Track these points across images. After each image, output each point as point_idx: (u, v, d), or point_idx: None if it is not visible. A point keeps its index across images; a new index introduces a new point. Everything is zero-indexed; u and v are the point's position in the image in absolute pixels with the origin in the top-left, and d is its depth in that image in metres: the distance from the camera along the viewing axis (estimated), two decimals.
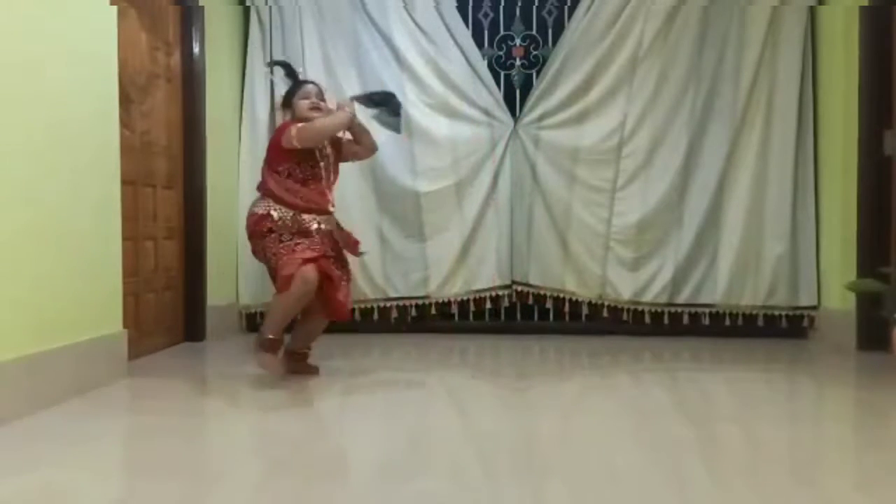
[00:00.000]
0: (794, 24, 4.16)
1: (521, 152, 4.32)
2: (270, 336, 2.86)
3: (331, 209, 3.05)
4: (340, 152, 3.16)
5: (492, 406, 2.64)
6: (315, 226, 2.95)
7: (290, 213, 2.93)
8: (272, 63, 3.26)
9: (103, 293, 2.90)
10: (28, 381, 2.38)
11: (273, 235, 2.91)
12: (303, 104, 3.03)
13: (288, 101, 3.10)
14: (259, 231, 2.95)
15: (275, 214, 2.92)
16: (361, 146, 3.14)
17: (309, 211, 2.95)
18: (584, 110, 4.26)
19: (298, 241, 2.89)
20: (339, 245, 3.08)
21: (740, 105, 4.18)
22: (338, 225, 3.12)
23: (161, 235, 3.69)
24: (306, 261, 2.81)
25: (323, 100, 3.07)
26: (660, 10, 4.17)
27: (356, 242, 3.16)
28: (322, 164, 3.01)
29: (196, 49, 3.89)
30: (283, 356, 3.04)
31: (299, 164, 2.96)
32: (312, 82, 3.20)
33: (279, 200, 2.94)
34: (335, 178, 3.14)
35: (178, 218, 3.87)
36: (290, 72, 3.19)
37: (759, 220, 4.19)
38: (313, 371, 3.12)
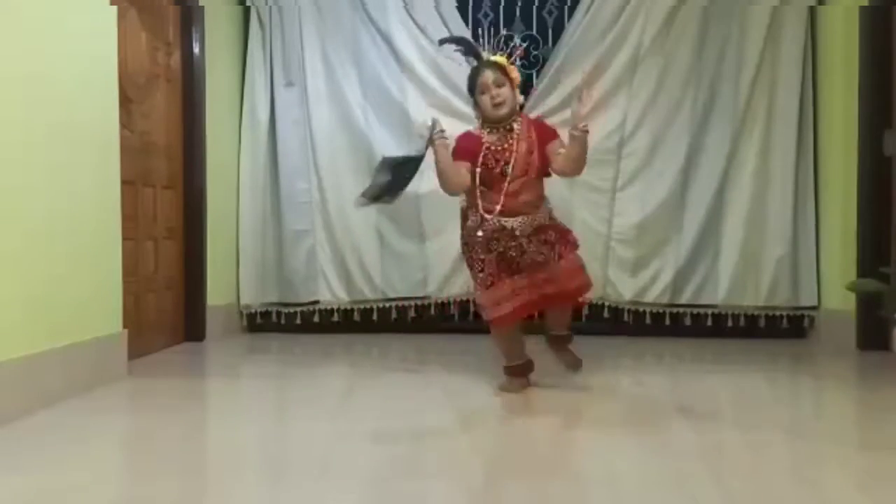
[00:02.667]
0: (794, 24, 4.16)
1: None
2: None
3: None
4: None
5: (491, 407, 2.64)
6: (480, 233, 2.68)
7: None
8: (443, 41, 2.88)
9: (103, 293, 2.90)
10: (28, 381, 2.38)
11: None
12: (484, 102, 2.69)
13: (472, 93, 2.74)
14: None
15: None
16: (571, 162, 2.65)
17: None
18: None
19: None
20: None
21: (740, 105, 4.17)
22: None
23: (161, 235, 3.68)
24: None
25: (503, 83, 2.67)
26: (660, 10, 4.17)
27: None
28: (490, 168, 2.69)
29: (196, 49, 3.89)
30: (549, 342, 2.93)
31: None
32: (489, 63, 2.72)
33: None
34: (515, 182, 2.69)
35: (178, 218, 3.87)
36: (467, 50, 2.80)
37: (760, 219, 4.18)
38: (573, 361, 2.91)
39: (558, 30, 4.36)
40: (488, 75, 2.67)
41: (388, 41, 4.29)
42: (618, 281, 4.23)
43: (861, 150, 3.76)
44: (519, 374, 2.83)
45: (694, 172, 4.22)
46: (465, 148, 2.75)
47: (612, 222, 4.23)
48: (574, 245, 2.77)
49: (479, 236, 2.68)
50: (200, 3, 3.87)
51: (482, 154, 2.69)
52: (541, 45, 4.42)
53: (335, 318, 4.38)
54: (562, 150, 2.69)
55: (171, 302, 3.81)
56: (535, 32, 4.43)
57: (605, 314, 4.28)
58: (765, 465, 1.96)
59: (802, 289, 4.18)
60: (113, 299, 2.98)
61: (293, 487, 1.76)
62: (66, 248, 2.63)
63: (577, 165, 2.65)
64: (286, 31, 4.34)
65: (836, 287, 3.93)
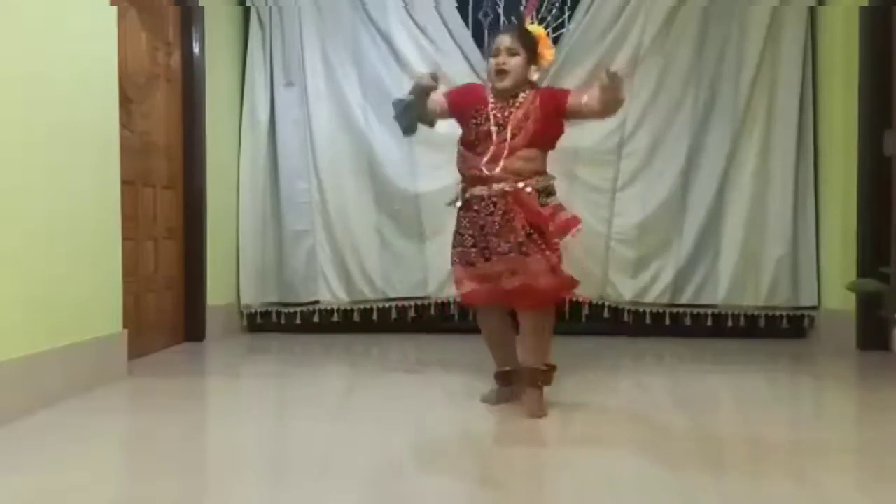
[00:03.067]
0: (794, 24, 4.16)
1: None
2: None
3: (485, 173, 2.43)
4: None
5: (491, 407, 2.64)
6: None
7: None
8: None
9: (103, 293, 2.90)
10: (28, 381, 2.38)
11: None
12: (489, 66, 2.50)
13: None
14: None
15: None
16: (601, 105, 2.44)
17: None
18: None
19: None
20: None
21: (741, 105, 4.17)
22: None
23: (161, 235, 3.68)
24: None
25: (519, 50, 2.45)
26: (660, 10, 4.17)
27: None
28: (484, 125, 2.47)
29: (196, 49, 3.89)
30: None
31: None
32: (513, 28, 2.65)
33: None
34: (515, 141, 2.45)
35: (178, 218, 3.87)
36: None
37: (761, 219, 4.18)
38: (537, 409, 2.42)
39: (558, 29, 4.36)
40: (504, 39, 2.46)
41: (388, 41, 4.29)
42: (618, 281, 4.23)
43: (861, 150, 3.76)
44: (503, 381, 2.60)
45: (694, 173, 4.22)
46: (461, 91, 2.61)
47: (613, 222, 4.23)
48: (561, 231, 2.44)
49: (468, 201, 2.47)
50: (200, 3, 3.87)
51: (478, 108, 2.48)
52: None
53: (335, 318, 4.38)
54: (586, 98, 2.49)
55: (171, 302, 3.81)
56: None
57: (605, 314, 4.28)
58: (765, 465, 1.96)
59: (802, 289, 4.18)
60: (113, 299, 2.98)
61: (293, 487, 1.76)
62: (66, 248, 2.63)
63: (606, 104, 2.42)
64: (286, 31, 4.34)
65: (836, 287, 3.93)
